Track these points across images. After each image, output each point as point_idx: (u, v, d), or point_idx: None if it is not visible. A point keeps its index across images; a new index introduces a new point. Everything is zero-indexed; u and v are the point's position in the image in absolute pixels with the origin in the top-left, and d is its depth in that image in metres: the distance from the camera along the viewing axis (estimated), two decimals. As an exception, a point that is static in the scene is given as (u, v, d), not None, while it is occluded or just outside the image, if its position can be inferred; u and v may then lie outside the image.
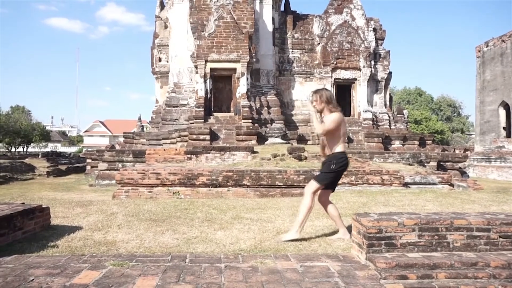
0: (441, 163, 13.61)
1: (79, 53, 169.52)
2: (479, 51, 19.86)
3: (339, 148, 3.76)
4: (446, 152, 15.19)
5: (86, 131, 66.69)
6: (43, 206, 4.19)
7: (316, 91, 3.88)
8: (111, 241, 3.73)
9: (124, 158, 12.92)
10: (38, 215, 4.01)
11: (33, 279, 2.50)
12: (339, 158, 3.74)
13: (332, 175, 3.75)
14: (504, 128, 18.50)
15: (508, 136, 18.11)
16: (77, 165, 19.77)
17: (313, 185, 3.74)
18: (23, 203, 4.23)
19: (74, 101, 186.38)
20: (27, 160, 18.32)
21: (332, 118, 3.69)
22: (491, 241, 2.93)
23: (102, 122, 67.34)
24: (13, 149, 32.51)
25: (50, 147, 44.37)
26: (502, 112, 18.47)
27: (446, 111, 45.75)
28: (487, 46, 19.26)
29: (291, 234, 3.70)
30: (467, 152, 18.94)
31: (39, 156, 22.12)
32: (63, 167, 18.00)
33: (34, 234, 3.87)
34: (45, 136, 35.94)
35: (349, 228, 3.68)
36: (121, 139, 18.51)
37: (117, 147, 15.74)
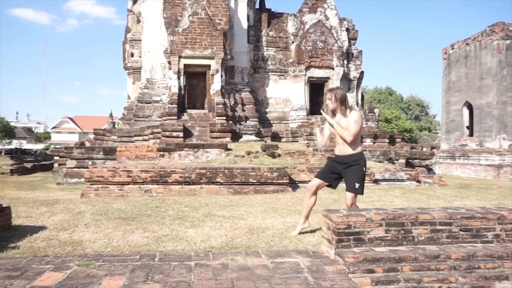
0: (410, 160, 14.09)
1: (46, 46, 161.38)
2: (445, 53, 20.67)
3: (360, 147, 3.71)
4: (414, 150, 15.73)
5: (54, 128, 64.17)
6: (3, 206, 3.99)
7: (331, 90, 3.73)
8: (77, 240, 3.60)
9: (94, 155, 12.51)
10: (-2, 215, 3.82)
11: (-10, 282, 2.37)
12: (364, 159, 3.73)
13: (364, 176, 3.73)
14: (467, 127, 19.37)
15: (471, 134, 18.98)
16: (44, 162, 18.95)
17: (355, 198, 3.68)
18: (-18, 202, 4.01)
19: (41, 96, 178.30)
20: (-12, 158, 17.38)
21: (354, 119, 3.55)
22: (453, 234, 3.06)
23: (71, 118, 65.01)
24: (-27, 146, 30.84)
25: (15, 144, 42.35)
26: (465, 112, 19.32)
27: (414, 111, 47.39)
28: (453, 48, 20.07)
29: None
30: (433, 150, 19.68)
31: (2, 154, 21.02)
32: (29, 165, 17.20)
33: (-7, 235, 3.68)
34: (9, 132, 34.33)
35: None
36: (91, 136, 17.93)
37: (87, 144, 15.23)
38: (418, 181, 9.91)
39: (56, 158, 15.30)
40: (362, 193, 3.72)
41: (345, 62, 16.44)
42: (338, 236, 2.92)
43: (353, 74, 16.87)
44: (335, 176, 3.78)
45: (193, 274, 2.58)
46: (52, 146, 36.75)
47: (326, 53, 15.97)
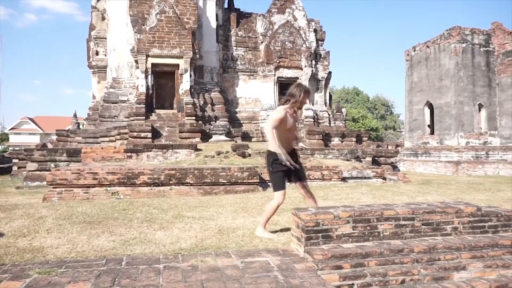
0: (376, 158, 14.56)
1: (3, 41, 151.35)
2: (408, 55, 21.56)
3: None
4: (380, 148, 16.28)
5: (12, 129, 60.72)
6: (-45, 212, 3.73)
7: (308, 90, 3.92)
8: (38, 247, 3.44)
9: (57, 157, 11.98)
10: (-51, 223, 3.56)
11: None
12: None
13: None
14: (428, 125, 20.32)
15: (432, 133, 19.92)
16: (1, 166, 17.92)
17: None
18: None
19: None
20: None
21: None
22: (415, 228, 3.19)
23: (31, 119, 61.78)
24: None
25: (-31, 146, 39.70)
26: (427, 111, 20.26)
27: (380, 110, 49.07)
28: (415, 50, 20.97)
29: None
30: (398, 148, 20.48)
31: (-45, 157, 19.66)
32: (-16, 169, 16.22)
33: None
34: (-38, 134, 32.11)
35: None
36: (54, 137, 17.15)
37: (49, 146, 14.56)
38: (384, 178, 10.26)
39: (15, 160, 14.52)
40: None
41: (313, 62, 16.74)
42: (307, 234, 2.97)
43: (321, 74, 17.21)
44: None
45: (162, 277, 2.53)
46: (10, 148, 34.77)
47: (294, 54, 16.19)
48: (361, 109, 42.66)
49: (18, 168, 14.14)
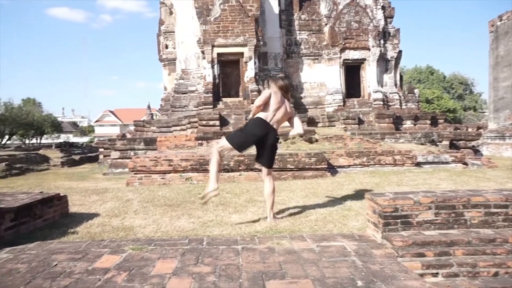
0: (454, 142, 13.42)
1: (86, 42, 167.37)
2: (492, 25, 19.24)
3: None
4: (458, 130, 14.94)
5: (96, 121, 67.45)
6: (60, 195, 4.28)
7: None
8: (129, 226, 3.80)
9: (136, 146, 13.02)
10: (56, 203, 4.10)
11: (56, 264, 2.57)
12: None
13: None
14: (519, 104, 18.08)
15: (523, 112, 17.71)
16: (90, 154, 20.01)
17: None
18: (42, 192, 4.33)
19: (83, 91, 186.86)
20: (41, 151, 18.62)
21: None
22: (510, 217, 2.90)
23: (112, 112, 67.95)
24: (27, 141, 33.12)
25: (63, 138, 44.93)
26: (517, 88, 18.01)
27: (458, 89, 44.82)
28: (501, 20, 18.64)
29: None
30: (480, 130, 18.59)
31: (53, 147, 22.45)
32: (77, 157, 18.24)
33: (53, 221, 3.97)
34: (57, 127, 36.41)
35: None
36: (132, 128, 18.64)
37: (128, 136, 15.86)
38: (465, 163, 9.44)
39: (100, 150, 16.09)
40: None
41: (382, 42, 15.77)
42: (384, 219, 2.87)
43: (390, 54, 16.17)
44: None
45: (241, 258, 2.64)
46: (96, 139, 38.69)
47: (361, 34, 15.40)
48: (436, 89, 39.38)
49: (104, 156, 15.66)
